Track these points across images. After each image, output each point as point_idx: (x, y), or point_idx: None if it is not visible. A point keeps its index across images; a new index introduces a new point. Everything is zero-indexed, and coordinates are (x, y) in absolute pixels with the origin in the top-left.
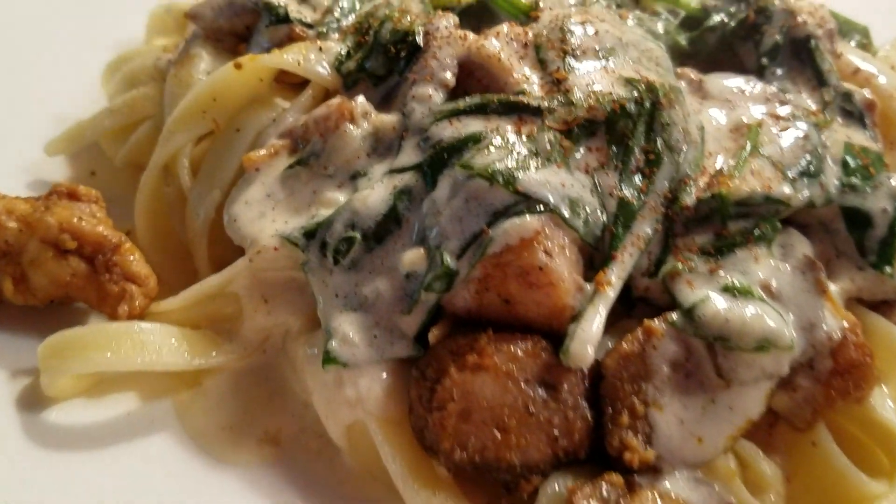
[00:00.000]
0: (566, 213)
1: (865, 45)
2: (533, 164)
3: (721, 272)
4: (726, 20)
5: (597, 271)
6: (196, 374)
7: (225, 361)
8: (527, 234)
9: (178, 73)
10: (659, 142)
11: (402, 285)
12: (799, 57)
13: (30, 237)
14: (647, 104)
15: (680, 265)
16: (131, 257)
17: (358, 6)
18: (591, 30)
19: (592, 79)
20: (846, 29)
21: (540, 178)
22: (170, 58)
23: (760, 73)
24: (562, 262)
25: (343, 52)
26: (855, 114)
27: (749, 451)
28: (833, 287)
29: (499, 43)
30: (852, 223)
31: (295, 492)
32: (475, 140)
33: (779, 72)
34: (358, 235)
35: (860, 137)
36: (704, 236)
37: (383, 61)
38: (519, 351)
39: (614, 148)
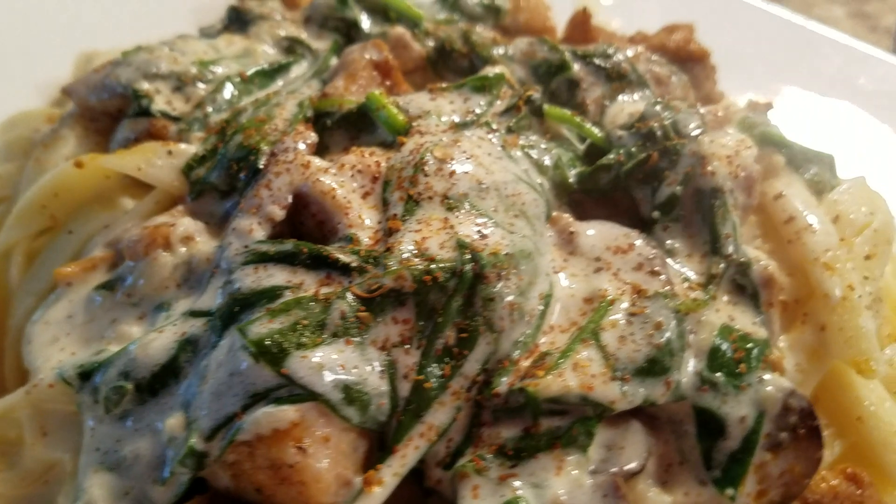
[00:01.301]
0: (336, 402)
1: (819, 183)
2: (315, 340)
3: (513, 481)
4: (623, 159)
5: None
6: None
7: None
8: (280, 425)
9: (39, 156)
10: (478, 319)
11: (163, 451)
12: (700, 212)
13: None
14: (469, 276)
15: (471, 466)
16: None
17: (237, 100)
18: (448, 168)
19: (423, 235)
20: (801, 160)
21: (314, 361)
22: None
23: (650, 226)
24: (320, 458)
25: (199, 155)
26: (748, 290)
27: None
28: (668, 498)
29: (340, 177)
30: (704, 428)
31: None
32: (270, 297)
33: (671, 229)
34: (130, 386)
35: (745, 321)
36: (513, 430)
37: (226, 177)
38: None
39: (422, 323)
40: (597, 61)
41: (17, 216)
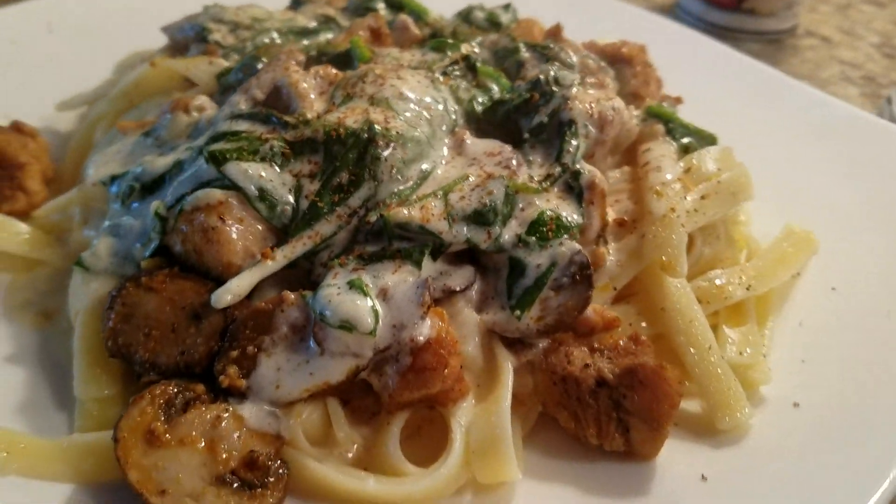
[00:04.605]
0: (252, 196)
1: (689, 149)
2: (249, 158)
3: (362, 273)
4: (514, 98)
5: None
6: (29, 262)
7: (51, 258)
8: (211, 201)
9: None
10: (365, 170)
11: (147, 228)
12: (559, 138)
13: None
14: (364, 139)
15: (337, 262)
16: (30, 177)
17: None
18: (380, 80)
19: (345, 115)
20: (681, 133)
21: (242, 166)
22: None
23: (521, 144)
24: (234, 230)
25: (229, 68)
26: (575, 191)
27: (334, 410)
28: (478, 316)
29: (307, 77)
30: (512, 271)
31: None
32: (234, 134)
33: (536, 148)
34: (137, 185)
35: (568, 209)
36: (375, 246)
37: (239, 78)
38: (186, 286)
39: (326, 165)
40: (541, 50)
41: (110, 99)
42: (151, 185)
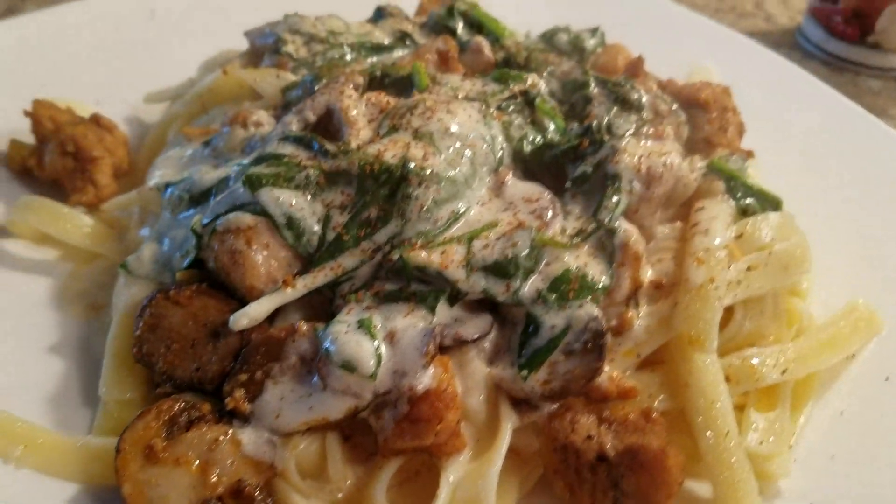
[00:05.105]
0: (280, 224)
1: (748, 212)
2: (283, 185)
3: (374, 311)
4: (563, 142)
5: None
6: (90, 254)
7: (109, 253)
8: (241, 224)
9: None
10: (394, 207)
11: (188, 239)
12: (602, 191)
13: (54, 136)
14: (396, 176)
15: (354, 297)
16: (100, 171)
17: (341, 59)
18: (428, 113)
19: (386, 147)
20: (743, 194)
21: (275, 194)
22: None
23: (563, 192)
24: (259, 254)
25: (295, 83)
26: (608, 250)
27: (332, 446)
28: (487, 369)
29: (359, 103)
30: (527, 328)
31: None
32: (277, 158)
33: (576, 198)
34: (186, 196)
35: (596, 269)
36: (395, 284)
37: (301, 94)
38: (210, 304)
39: (357, 198)
40: (611, 87)
41: (185, 101)
42: (199, 197)
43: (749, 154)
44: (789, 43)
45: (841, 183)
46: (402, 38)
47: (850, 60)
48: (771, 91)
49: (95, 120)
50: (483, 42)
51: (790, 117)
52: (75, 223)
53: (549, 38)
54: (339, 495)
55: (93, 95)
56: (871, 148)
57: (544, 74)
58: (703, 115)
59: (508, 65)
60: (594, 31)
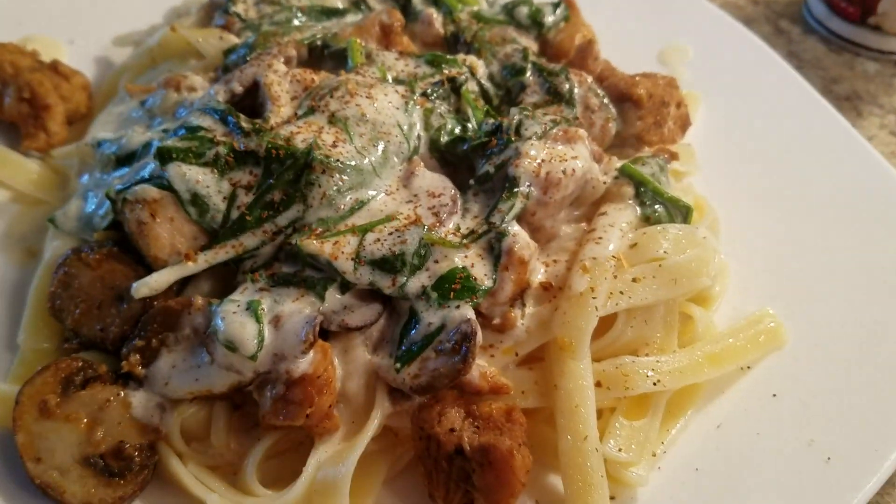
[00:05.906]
0: (184, 199)
1: (654, 220)
2: (192, 160)
3: (266, 293)
4: (474, 137)
5: None
6: (36, 199)
7: (50, 199)
8: (146, 196)
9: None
10: (297, 192)
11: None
12: (501, 191)
13: (14, 80)
14: (301, 162)
15: (250, 277)
16: (52, 118)
17: (288, 23)
18: (347, 97)
19: (299, 130)
20: (651, 200)
21: (182, 169)
22: None
23: (466, 189)
24: (163, 227)
25: (236, 45)
26: (495, 252)
27: (217, 416)
28: (369, 357)
29: (284, 80)
30: (409, 322)
31: None
32: (192, 129)
33: (478, 196)
34: (114, 157)
35: (480, 271)
36: (291, 267)
37: (237, 60)
38: (118, 269)
39: (263, 180)
40: (546, 76)
41: (136, 54)
42: (125, 159)
43: (672, 156)
44: (792, 15)
45: (790, 183)
46: (356, 3)
47: (850, 40)
48: (739, 75)
49: (54, 66)
50: (434, 15)
51: (754, 108)
52: (22, 168)
53: (510, 9)
54: (220, 461)
55: (66, 34)
56: (832, 150)
57: (486, 55)
58: (634, 110)
59: (456, 40)
60: (556, 6)
